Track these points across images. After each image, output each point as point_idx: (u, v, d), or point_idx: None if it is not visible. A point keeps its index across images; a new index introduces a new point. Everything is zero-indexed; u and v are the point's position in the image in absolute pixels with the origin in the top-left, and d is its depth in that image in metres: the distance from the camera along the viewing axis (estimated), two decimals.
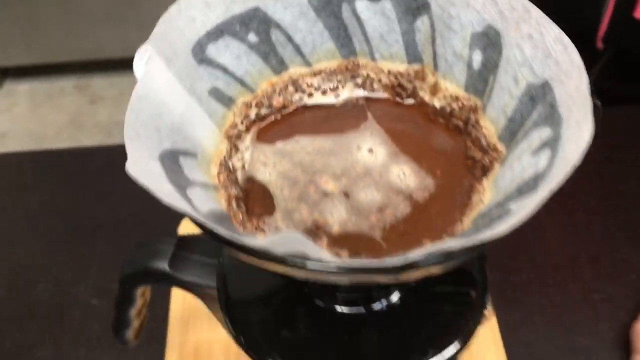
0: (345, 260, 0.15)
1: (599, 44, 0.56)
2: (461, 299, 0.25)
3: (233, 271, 0.26)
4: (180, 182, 0.18)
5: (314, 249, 0.15)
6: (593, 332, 0.40)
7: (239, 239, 0.15)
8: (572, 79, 0.19)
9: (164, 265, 0.27)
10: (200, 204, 0.17)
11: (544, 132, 0.18)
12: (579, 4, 0.55)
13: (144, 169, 0.16)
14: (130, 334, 0.32)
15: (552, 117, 0.18)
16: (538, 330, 0.41)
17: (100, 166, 0.53)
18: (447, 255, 0.15)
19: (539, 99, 0.19)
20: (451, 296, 0.25)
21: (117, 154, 0.24)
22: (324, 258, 0.15)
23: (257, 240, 0.15)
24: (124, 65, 1.84)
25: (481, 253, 0.19)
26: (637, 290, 0.40)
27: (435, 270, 0.16)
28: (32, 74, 1.86)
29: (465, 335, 0.24)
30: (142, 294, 0.29)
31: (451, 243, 0.15)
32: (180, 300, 0.41)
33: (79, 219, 0.48)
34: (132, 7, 1.72)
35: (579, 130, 0.17)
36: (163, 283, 0.27)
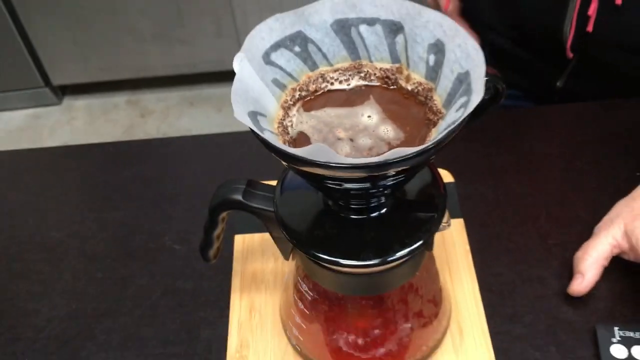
0: (350, 159, 0.30)
1: (569, 53, 0.70)
2: (427, 211, 0.39)
3: (283, 200, 0.41)
4: (259, 128, 0.32)
5: (333, 153, 0.29)
6: (547, 267, 0.54)
7: (289, 149, 0.30)
8: (480, 68, 0.33)
9: (239, 197, 0.42)
10: (268, 138, 0.32)
11: (463, 99, 0.33)
12: (551, 20, 0.69)
13: (242, 117, 0.31)
14: (211, 253, 0.47)
15: (468, 91, 0.33)
16: (505, 264, 0.54)
17: (167, 153, 0.69)
18: (406, 156, 0.29)
19: (463, 82, 0.34)
20: (421, 210, 0.39)
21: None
22: (339, 159, 0.29)
23: (299, 151, 0.30)
24: (170, 81, 2.02)
25: (427, 159, 0.32)
26: (582, 237, 0.53)
27: (401, 166, 0.30)
28: (88, 91, 2.05)
29: (429, 235, 0.38)
30: (222, 220, 0.44)
31: (408, 150, 0.29)
32: (240, 242, 0.56)
33: (163, 189, 0.64)
34: (177, 28, 1.88)
35: (477, 97, 0.31)
36: (238, 209, 0.42)
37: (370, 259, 0.37)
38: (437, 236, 0.49)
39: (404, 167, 0.31)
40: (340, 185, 0.34)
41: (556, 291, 0.52)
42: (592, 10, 0.65)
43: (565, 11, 0.67)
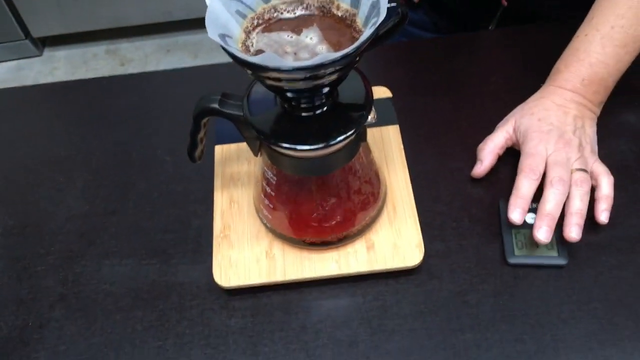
0: (291, 63, 0.43)
1: (504, 2, 0.82)
2: (358, 110, 0.52)
3: (250, 105, 0.54)
4: (227, 45, 0.45)
5: (279, 59, 0.42)
6: (464, 160, 0.68)
7: (247, 58, 0.43)
8: None
9: (216, 105, 0.54)
10: (234, 52, 0.44)
11: (374, 20, 0.45)
12: None
13: (214, 37, 0.44)
14: (197, 154, 0.60)
15: (377, 14, 0.45)
16: (431, 159, 0.68)
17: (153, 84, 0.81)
18: (333, 59, 0.42)
19: (375, 7, 0.46)
20: (353, 110, 0.52)
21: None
22: (283, 63, 0.42)
23: (255, 58, 0.42)
24: (146, 30, 2.10)
25: (348, 62, 0.45)
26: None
27: (329, 67, 0.43)
28: (68, 42, 2.13)
29: (358, 125, 0.51)
30: (204, 125, 0.57)
31: (333, 54, 0.42)
32: (220, 151, 0.69)
33: (151, 112, 0.77)
34: None
35: (381, 17, 0.44)
36: (216, 115, 0.55)
37: (316, 144, 0.50)
38: (377, 136, 0.63)
39: (333, 69, 0.44)
40: (289, 87, 0.47)
41: (470, 178, 0.66)
42: None
43: None
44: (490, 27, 0.89)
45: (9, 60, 2.11)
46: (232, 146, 0.69)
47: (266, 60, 0.42)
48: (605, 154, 0.66)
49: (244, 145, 0.66)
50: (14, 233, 0.67)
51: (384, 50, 0.81)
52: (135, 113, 0.77)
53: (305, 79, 0.45)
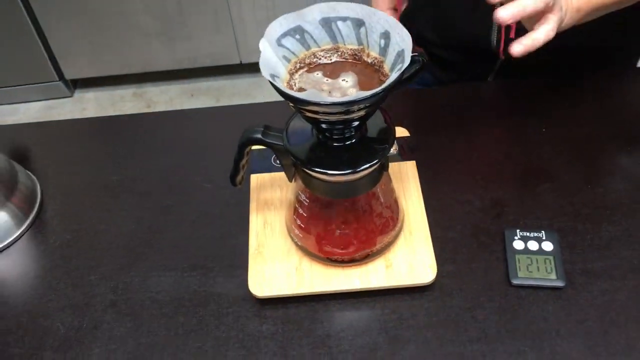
0: (329, 98, 0.51)
1: (501, 56, 0.92)
2: (382, 143, 0.61)
3: (289, 136, 0.62)
4: (276, 83, 0.54)
5: (320, 95, 0.51)
6: (473, 193, 0.76)
7: (294, 94, 0.51)
8: (409, 48, 0.54)
9: (259, 135, 0.63)
10: (282, 88, 0.53)
11: (399, 66, 0.54)
12: (480, 32, 0.91)
13: (266, 76, 0.53)
14: (238, 179, 0.68)
15: (402, 61, 0.54)
16: (444, 192, 0.76)
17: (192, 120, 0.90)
18: (363, 97, 0.51)
19: (400, 55, 0.55)
20: (378, 142, 0.61)
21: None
22: (323, 98, 0.51)
23: (300, 94, 0.51)
24: (172, 75, 2.22)
25: (377, 100, 0.53)
26: (501, 174, 0.75)
27: (361, 103, 0.51)
28: (98, 84, 2.25)
29: (382, 155, 0.60)
30: (246, 153, 0.65)
31: (365, 93, 0.50)
32: (255, 179, 0.77)
33: (192, 145, 0.85)
34: (179, 25, 2.08)
35: (406, 63, 0.53)
36: (259, 144, 0.63)
37: (345, 170, 0.59)
38: (397, 170, 0.72)
39: (362, 106, 0.52)
40: (324, 119, 0.55)
41: (479, 208, 0.74)
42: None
43: (491, 24, 0.89)
44: (489, 79, 0.98)
45: (41, 100, 2.23)
46: (266, 176, 0.78)
47: (309, 96, 0.51)
48: (602, 192, 0.74)
49: (276, 175, 0.75)
50: (70, 246, 0.75)
51: (403, 95, 0.90)
52: (174, 145, 0.86)
53: (338, 113, 0.54)
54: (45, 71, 2.14)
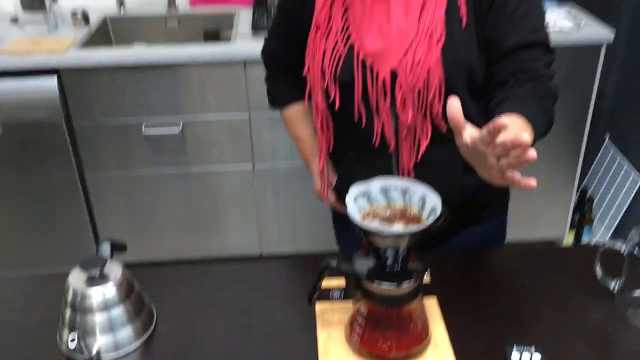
0: (389, 229, 0.83)
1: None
2: (418, 269, 0.90)
3: (354, 264, 0.92)
4: (358, 222, 0.85)
5: (384, 227, 0.82)
6: (489, 320, 1.03)
7: (365, 224, 0.83)
8: (439, 206, 0.87)
9: (334, 264, 0.92)
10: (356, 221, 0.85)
11: (432, 217, 0.87)
12: None
13: (353, 218, 0.85)
14: (314, 298, 0.96)
15: (434, 213, 0.87)
16: (462, 326, 1.04)
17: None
18: (409, 232, 0.82)
19: (433, 210, 0.88)
20: (416, 268, 0.91)
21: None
22: (386, 229, 0.82)
23: (371, 226, 0.82)
24: (203, 262, 2.53)
25: (417, 235, 0.85)
26: (499, 328, 1.03)
27: (407, 235, 0.83)
28: (132, 268, 2.52)
29: (420, 279, 0.89)
30: (322, 278, 0.94)
31: (411, 228, 0.82)
32: (320, 305, 1.04)
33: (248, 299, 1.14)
34: (211, 220, 2.44)
35: (436, 215, 0.85)
36: (333, 271, 0.92)
37: (393, 285, 0.88)
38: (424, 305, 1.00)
39: (409, 237, 0.83)
40: (383, 245, 0.86)
41: (486, 332, 1.01)
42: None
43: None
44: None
45: None
46: (327, 303, 1.05)
47: (376, 227, 0.83)
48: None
49: (335, 304, 1.03)
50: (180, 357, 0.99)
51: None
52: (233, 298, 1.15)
53: (392, 239, 0.85)
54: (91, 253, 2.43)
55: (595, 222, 2.69)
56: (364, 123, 1.11)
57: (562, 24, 2.21)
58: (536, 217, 2.55)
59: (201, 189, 2.37)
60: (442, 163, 1.11)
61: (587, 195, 2.71)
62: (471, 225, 1.25)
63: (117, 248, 1.11)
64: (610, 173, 2.61)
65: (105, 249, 1.07)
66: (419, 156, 1.10)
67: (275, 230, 2.43)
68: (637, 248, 0.99)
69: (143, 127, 2.22)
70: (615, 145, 2.61)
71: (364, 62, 1.06)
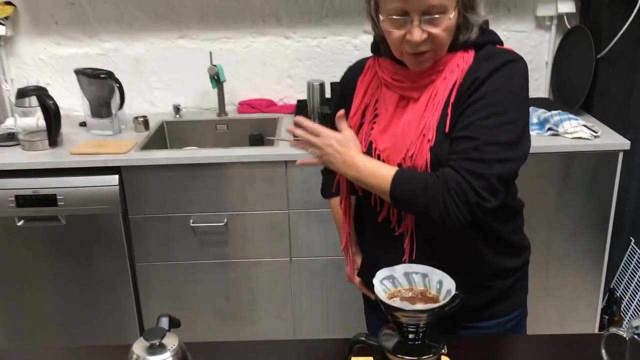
0: (410, 306, 0.97)
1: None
2: (436, 343, 1.03)
3: (381, 339, 1.05)
4: (384, 300, 1.00)
5: (405, 305, 0.96)
6: None
7: (392, 303, 0.97)
8: (453, 287, 1.02)
9: (364, 338, 1.06)
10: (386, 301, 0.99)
11: (448, 297, 1.01)
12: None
13: (380, 298, 0.99)
14: None
15: (450, 294, 1.01)
16: None
17: None
18: (426, 309, 0.97)
19: (448, 293, 1.02)
20: (432, 343, 1.03)
21: None
22: (407, 306, 0.96)
23: (395, 303, 0.97)
24: None
25: (434, 313, 0.98)
26: None
27: (426, 313, 0.97)
28: None
29: (436, 352, 1.02)
30: (354, 349, 1.07)
31: (430, 306, 0.96)
32: None
33: None
34: (248, 311, 2.57)
35: (451, 295, 1.00)
36: (362, 344, 1.05)
37: (416, 357, 1.00)
38: None
39: (428, 313, 0.97)
40: (405, 321, 1.00)
41: None
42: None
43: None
44: None
45: None
46: None
47: (399, 305, 0.97)
48: None
49: None
50: None
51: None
52: None
53: (411, 316, 0.99)
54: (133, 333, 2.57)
55: (624, 323, 2.73)
56: (379, 208, 1.28)
57: (581, 133, 2.38)
58: (564, 318, 2.61)
59: (240, 279, 2.53)
60: (452, 250, 1.26)
61: (616, 296, 2.77)
62: (486, 319, 1.37)
63: (173, 323, 1.26)
64: (638, 275, 2.68)
65: (164, 322, 1.22)
66: (429, 240, 1.25)
67: (308, 319, 2.55)
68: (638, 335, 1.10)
69: (191, 220, 2.42)
70: None
71: (379, 156, 1.26)
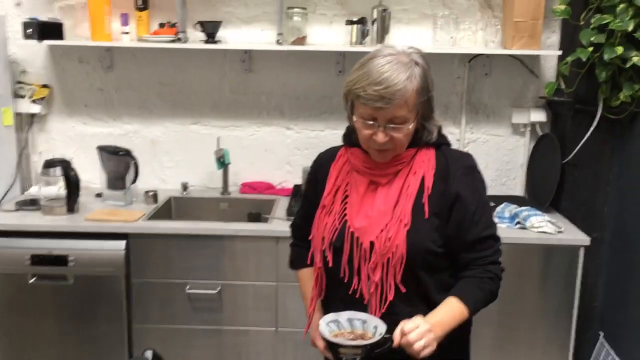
0: (347, 342, 1.19)
1: None
2: None
3: None
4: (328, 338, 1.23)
5: (345, 341, 1.19)
6: None
7: (333, 338, 1.19)
8: (383, 329, 1.24)
9: None
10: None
11: (380, 336, 1.23)
12: None
13: (324, 334, 1.22)
14: None
15: (381, 334, 1.23)
16: None
17: None
18: (365, 346, 1.19)
19: (381, 333, 1.25)
20: None
21: None
22: (344, 342, 1.19)
23: (335, 339, 1.19)
24: None
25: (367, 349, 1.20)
26: None
27: (361, 345, 1.19)
28: None
29: None
30: None
31: (365, 342, 1.19)
32: None
33: None
34: None
35: (380, 334, 1.22)
36: None
37: None
38: None
39: (362, 348, 1.20)
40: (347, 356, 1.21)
41: None
42: None
43: None
44: None
45: None
46: None
47: (339, 340, 1.20)
48: None
49: None
50: None
51: None
52: None
53: (350, 350, 1.20)
54: None
55: None
56: (347, 279, 1.51)
57: (546, 228, 2.63)
58: None
59: (230, 344, 2.71)
60: (405, 316, 1.48)
61: None
62: None
63: (157, 358, 1.47)
64: None
65: (149, 355, 1.44)
66: (385, 307, 1.47)
67: None
68: None
69: (187, 287, 2.65)
70: (609, 343, 2.84)
71: (352, 234, 1.50)
